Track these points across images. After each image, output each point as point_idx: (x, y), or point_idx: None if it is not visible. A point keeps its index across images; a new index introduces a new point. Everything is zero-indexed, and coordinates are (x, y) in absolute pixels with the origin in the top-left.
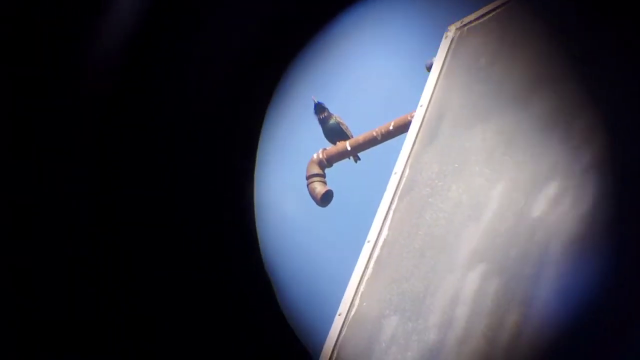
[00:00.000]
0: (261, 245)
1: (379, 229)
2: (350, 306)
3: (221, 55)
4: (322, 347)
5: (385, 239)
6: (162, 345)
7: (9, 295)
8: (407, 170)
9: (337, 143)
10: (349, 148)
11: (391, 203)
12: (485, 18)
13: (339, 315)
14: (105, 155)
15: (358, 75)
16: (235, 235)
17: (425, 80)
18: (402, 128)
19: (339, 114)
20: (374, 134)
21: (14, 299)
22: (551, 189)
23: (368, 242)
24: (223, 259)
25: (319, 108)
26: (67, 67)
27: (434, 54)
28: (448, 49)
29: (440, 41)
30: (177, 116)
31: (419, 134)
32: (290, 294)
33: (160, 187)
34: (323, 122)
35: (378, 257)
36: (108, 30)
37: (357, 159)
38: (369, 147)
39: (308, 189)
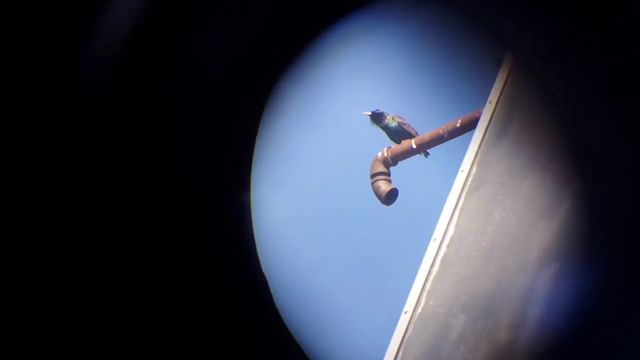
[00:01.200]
0: (260, 248)
1: (445, 227)
2: (416, 304)
3: (221, 55)
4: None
5: (452, 237)
6: (156, 347)
7: (11, 295)
8: (475, 168)
9: (403, 142)
10: (414, 146)
11: (458, 201)
12: None
13: (405, 313)
14: (101, 156)
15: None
16: (231, 239)
17: (495, 76)
18: (470, 125)
19: (399, 112)
20: (440, 131)
21: (18, 298)
22: None
23: (434, 240)
24: (219, 262)
25: (376, 117)
26: (65, 66)
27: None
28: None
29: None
30: (174, 116)
31: (488, 131)
32: (295, 299)
33: (157, 185)
34: (385, 128)
35: (445, 255)
36: (107, 28)
37: (426, 154)
38: (435, 145)
39: (372, 188)
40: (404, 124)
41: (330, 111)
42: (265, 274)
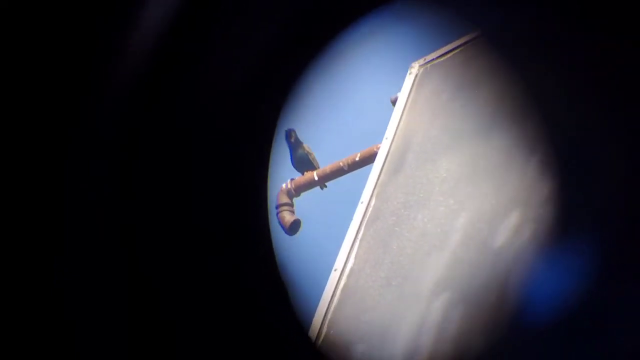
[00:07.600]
0: (274, 244)
1: (345, 257)
2: (318, 334)
3: (242, 54)
4: None
5: (351, 268)
6: (173, 344)
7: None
8: (374, 200)
9: (305, 173)
10: (316, 178)
11: (358, 232)
12: (448, 56)
13: None
14: (125, 153)
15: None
16: (249, 237)
17: (391, 114)
18: (368, 159)
19: (309, 140)
20: (341, 164)
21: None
22: (512, 220)
23: (335, 270)
24: (237, 258)
25: (289, 134)
26: (96, 66)
27: (399, 89)
28: (412, 85)
29: (405, 77)
30: (197, 115)
31: (385, 165)
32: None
33: (179, 184)
34: (293, 150)
35: (345, 285)
36: (142, 26)
37: (323, 186)
38: (335, 177)
39: (277, 218)
40: (311, 155)
41: (350, 109)
42: (285, 278)
